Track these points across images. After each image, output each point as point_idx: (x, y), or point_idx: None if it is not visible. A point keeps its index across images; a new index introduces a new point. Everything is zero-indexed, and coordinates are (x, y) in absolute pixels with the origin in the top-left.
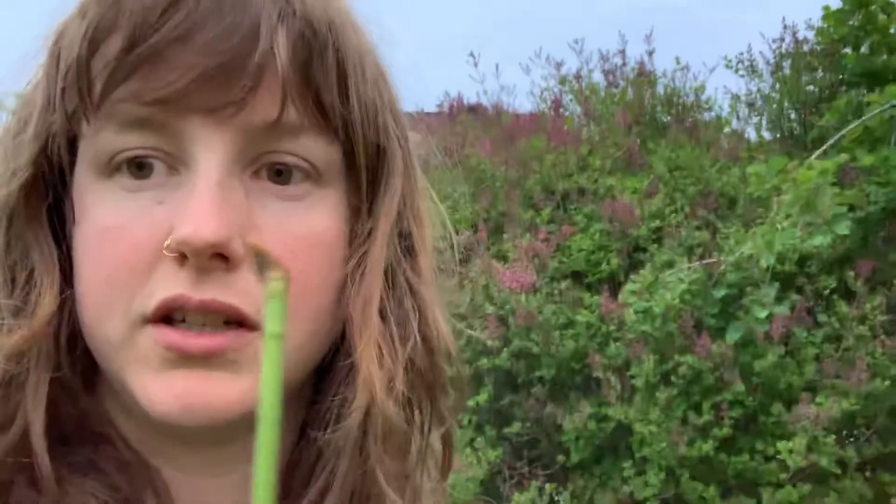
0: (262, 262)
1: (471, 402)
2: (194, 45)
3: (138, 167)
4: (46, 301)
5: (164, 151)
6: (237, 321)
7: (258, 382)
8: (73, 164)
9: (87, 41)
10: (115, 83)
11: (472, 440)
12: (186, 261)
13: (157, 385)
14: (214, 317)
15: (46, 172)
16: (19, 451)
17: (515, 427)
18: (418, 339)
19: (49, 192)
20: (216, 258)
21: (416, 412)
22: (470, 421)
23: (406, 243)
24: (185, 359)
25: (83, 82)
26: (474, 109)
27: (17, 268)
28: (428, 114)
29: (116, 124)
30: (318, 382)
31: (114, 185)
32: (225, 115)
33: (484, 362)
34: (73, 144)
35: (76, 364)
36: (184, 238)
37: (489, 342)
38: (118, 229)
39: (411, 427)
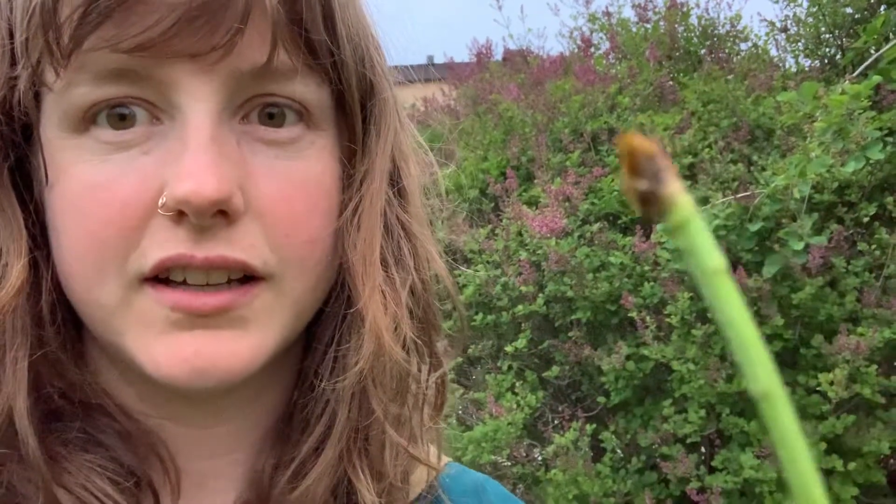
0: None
1: (510, 348)
2: None
3: (119, 118)
4: (14, 271)
5: (145, 100)
6: (242, 276)
7: (268, 336)
8: (38, 119)
9: None
10: (87, 30)
11: (513, 385)
12: (184, 218)
13: (164, 348)
14: (218, 273)
15: (6, 130)
16: (5, 435)
17: (555, 371)
18: (416, 280)
19: (10, 152)
20: (217, 215)
21: (415, 354)
22: (510, 367)
23: (397, 183)
24: (193, 319)
25: (50, 30)
26: (505, 59)
27: None
28: (458, 63)
29: (90, 76)
30: (312, 328)
31: (91, 140)
32: (210, 60)
33: (520, 309)
34: (37, 98)
35: (60, 335)
36: (183, 197)
37: (523, 288)
38: (103, 187)
39: (411, 369)
